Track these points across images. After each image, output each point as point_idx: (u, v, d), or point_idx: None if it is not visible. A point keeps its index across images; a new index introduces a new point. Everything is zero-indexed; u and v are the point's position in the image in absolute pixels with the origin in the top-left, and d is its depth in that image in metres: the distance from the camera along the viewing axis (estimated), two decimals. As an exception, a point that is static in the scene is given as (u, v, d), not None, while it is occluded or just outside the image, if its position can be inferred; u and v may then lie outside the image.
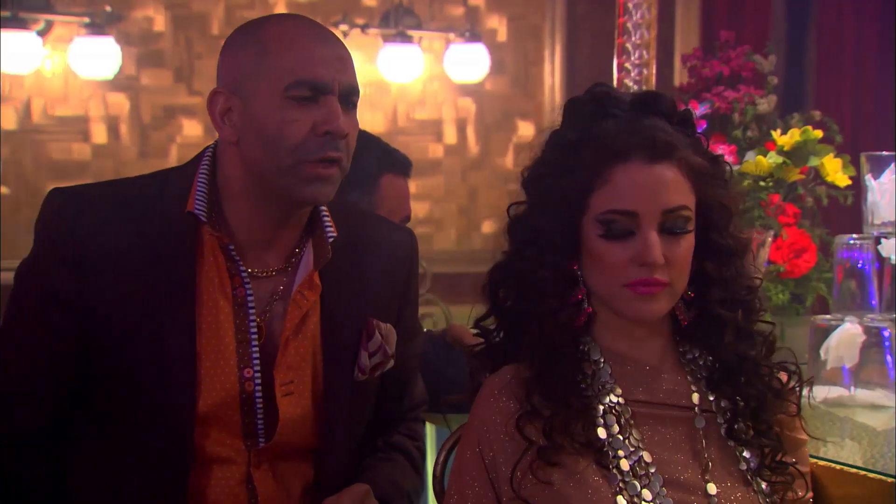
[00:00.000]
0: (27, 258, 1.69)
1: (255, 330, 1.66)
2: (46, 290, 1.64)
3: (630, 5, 2.97)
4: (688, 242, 1.46)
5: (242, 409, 1.66)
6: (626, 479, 1.43)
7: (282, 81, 1.59)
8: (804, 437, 1.56)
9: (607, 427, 1.46)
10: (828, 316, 2.31)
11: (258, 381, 1.66)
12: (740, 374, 1.50)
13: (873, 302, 2.29)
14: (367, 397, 1.78)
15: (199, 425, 1.64)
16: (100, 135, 4.47)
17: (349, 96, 1.64)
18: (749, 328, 1.52)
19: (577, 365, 1.49)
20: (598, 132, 1.47)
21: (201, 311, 1.65)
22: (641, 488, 1.43)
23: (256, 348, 1.66)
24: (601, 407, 1.47)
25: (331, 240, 1.70)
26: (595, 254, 1.46)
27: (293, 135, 1.59)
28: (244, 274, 1.67)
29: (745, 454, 1.49)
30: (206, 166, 1.69)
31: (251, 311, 1.67)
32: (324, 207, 1.71)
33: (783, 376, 1.54)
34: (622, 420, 1.47)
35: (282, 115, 1.59)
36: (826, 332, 2.24)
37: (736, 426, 1.49)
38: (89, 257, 1.62)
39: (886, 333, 2.22)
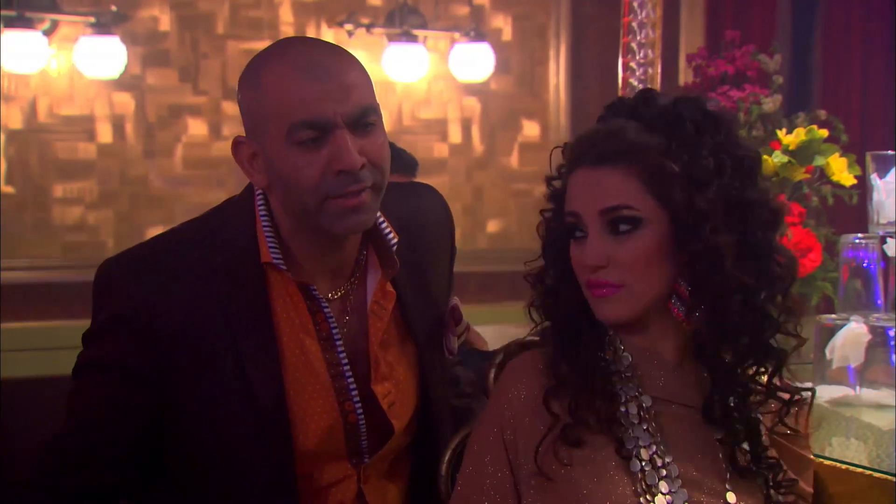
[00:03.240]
0: (96, 329, 1.63)
1: (346, 361, 1.65)
2: (125, 367, 1.59)
3: (635, 4, 2.96)
4: (636, 242, 1.44)
5: (346, 436, 1.66)
6: (645, 469, 1.44)
7: (284, 127, 1.54)
8: (811, 457, 1.57)
9: (629, 414, 1.47)
10: (833, 315, 2.31)
11: (360, 411, 1.65)
12: (731, 397, 1.48)
13: (879, 301, 2.29)
14: (448, 373, 1.82)
15: (307, 459, 1.63)
16: (105, 134, 4.48)
17: (363, 119, 1.57)
18: (741, 342, 1.47)
19: (600, 345, 1.51)
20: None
21: (287, 353, 1.62)
22: (659, 479, 1.43)
23: (352, 379, 1.65)
24: (622, 391, 1.48)
25: (394, 248, 1.67)
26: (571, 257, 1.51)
27: (308, 179, 1.55)
28: (326, 309, 1.64)
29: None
30: (263, 207, 1.64)
31: (338, 342, 1.65)
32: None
33: (786, 396, 1.52)
34: (641, 411, 1.47)
35: (292, 160, 1.55)
36: (831, 331, 2.23)
37: (735, 454, 1.49)
38: (164, 327, 1.58)
39: (892, 333, 2.21)
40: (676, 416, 1.49)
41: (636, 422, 1.46)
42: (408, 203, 1.81)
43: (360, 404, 1.65)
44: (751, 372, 1.49)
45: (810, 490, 1.57)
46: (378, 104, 1.62)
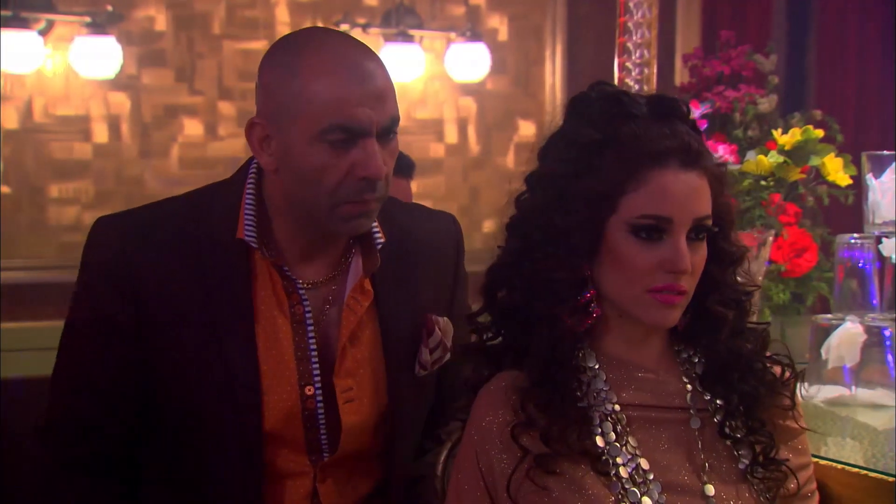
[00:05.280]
0: (79, 288, 1.67)
1: (314, 347, 1.66)
2: (105, 320, 1.62)
3: (631, 4, 2.96)
4: (704, 249, 1.46)
5: (305, 426, 1.66)
6: (626, 487, 1.43)
7: (318, 125, 1.54)
8: (801, 426, 1.55)
9: (604, 435, 1.45)
10: (829, 315, 2.31)
11: (319, 398, 1.66)
12: (733, 371, 1.50)
13: (874, 301, 2.30)
14: (427, 392, 1.79)
15: (267, 443, 1.64)
16: (101, 134, 4.48)
17: (390, 128, 1.58)
18: (742, 327, 1.53)
19: (574, 374, 1.48)
20: (627, 133, 1.44)
21: (260, 329, 1.63)
22: (641, 496, 1.43)
23: (317, 365, 1.66)
24: (597, 415, 1.47)
25: (379, 246, 1.68)
26: (620, 256, 1.44)
27: (329, 179, 1.56)
28: (301, 291, 1.66)
29: (742, 451, 1.49)
30: (251, 185, 1.66)
31: (309, 327, 1.66)
32: None
33: (777, 370, 1.55)
34: (619, 427, 1.46)
35: (318, 157, 1.55)
36: (827, 331, 2.24)
37: (728, 424, 1.49)
38: (145, 285, 1.60)
39: (887, 333, 2.22)
40: (654, 421, 1.49)
41: (613, 440, 1.45)
42: (416, 221, 1.83)
43: (320, 390, 1.66)
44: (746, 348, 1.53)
45: (805, 460, 1.55)
46: (399, 111, 1.62)
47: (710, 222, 1.45)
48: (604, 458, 1.44)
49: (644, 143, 1.43)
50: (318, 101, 1.53)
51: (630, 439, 1.46)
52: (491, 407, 1.49)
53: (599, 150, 1.45)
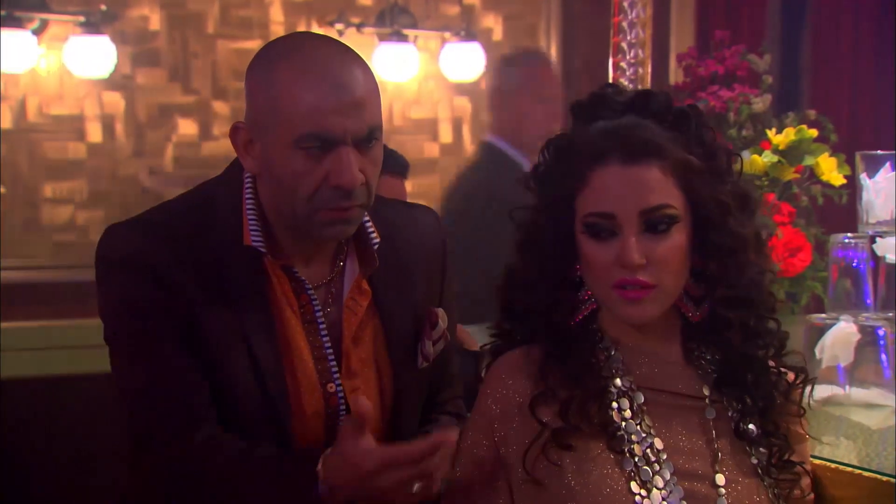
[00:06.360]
0: (115, 291, 1.64)
1: (329, 344, 1.67)
2: (161, 316, 1.60)
3: (625, 4, 2.96)
4: (672, 241, 1.45)
5: (326, 425, 1.67)
6: (639, 465, 1.44)
7: (292, 133, 1.54)
8: (804, 433, 1.57)
9: (620, 411, 1.47)
10: (823, 315, 2.31)
11: (342, 394, 1.67)
12: (747, 375, 1.51)
13: (868, 301, 2.30)
14: (426, 384, 1.80)
15: (293, 446, 1.64)
16: (95, 134, 4.46)
17: (369, 136, 1.58)
18: (757, 327, 1.52)
19: (592, 349, 1.51)
20: (582, 136, 1.49)
21: (278, 330, 1.64)
22: (654, 475, 1.44)
23: (335, 363, 1.67)
24: (614, 390, 1.48)
25: (376, 246, 1.69)
26: (584, 256, 1.48)
27: (305, 186, 1.57)
28: (310, 291, 1.66)
29: (755, 449, 1.50)
30: (249, 189, 1.66)
31: (321, 325, 1.67)
32: None
33: (790, 377, 1.55)
34: (634, 405, 1.48)
35: (293, 165, 1.56)
36: (821, 331, 2.24)
37: (743, 425, 1.50)
38: (175, 278, 1.60)
39: (881, 332, 2.22)
40: (669, 406, 1.50)
41: (629, 417, 1.47)
42: (401, 215, 1.83)
43: (341, 385, 1.67)
44: (761, 353, 1.52)
45: (807, 467, 1.57)
46: (381, 120, 1.62)
47: (670, 211, 1.45)
48: (619, 433, 1.46)
49: (590, 143, 1.47)
50: (293, 109, 1.54)
51: (646, 418, 1.48)
52: (508, 375, 1.51)
53: (566, 154, 1.51)
